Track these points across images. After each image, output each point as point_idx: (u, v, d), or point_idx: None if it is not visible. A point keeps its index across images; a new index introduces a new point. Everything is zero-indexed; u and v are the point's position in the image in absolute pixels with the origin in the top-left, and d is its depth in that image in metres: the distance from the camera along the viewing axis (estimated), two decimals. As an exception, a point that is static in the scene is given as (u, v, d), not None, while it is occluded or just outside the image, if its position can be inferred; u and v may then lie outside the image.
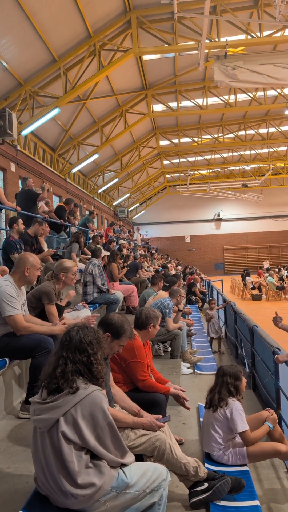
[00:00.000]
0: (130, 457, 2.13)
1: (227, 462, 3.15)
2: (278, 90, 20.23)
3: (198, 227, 38.69)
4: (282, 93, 20.50)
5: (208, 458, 3.24)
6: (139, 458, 2.63)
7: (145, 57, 16.48)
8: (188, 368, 6.27)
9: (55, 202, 15.93)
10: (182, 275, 17.67)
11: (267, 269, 23.42)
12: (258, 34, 13.51)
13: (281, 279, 22.46)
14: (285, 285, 21.08)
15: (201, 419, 3.63)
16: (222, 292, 15.76)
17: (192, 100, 20.14)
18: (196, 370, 6.29)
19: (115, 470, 2.05)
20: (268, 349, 4.31)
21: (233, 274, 31.92)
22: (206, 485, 2.71)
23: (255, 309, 16.36)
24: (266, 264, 24.18)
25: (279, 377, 4.08)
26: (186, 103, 20.85)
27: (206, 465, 3.07)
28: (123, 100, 19.36)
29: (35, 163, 15.80)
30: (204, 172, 32.70)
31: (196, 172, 32.11)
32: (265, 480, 3.19)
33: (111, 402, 2.81)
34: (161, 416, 2.91)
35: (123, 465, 2.09)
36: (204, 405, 3.41)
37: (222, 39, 13.18)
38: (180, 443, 3.49)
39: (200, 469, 2.72)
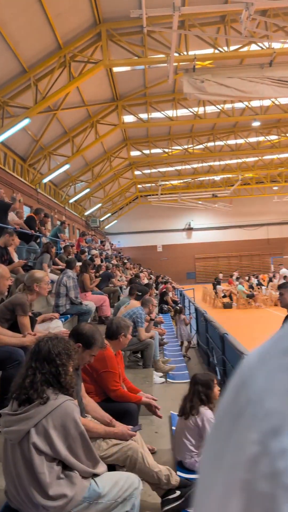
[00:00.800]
0: (102, 467, 2.14)
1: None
2: (246, 103, 20.74)
3: (170, 237, 38.97)
4: (250, 106, 21.02)
5: (180, 466, 3.26)
6: (111, 468, 2.63)
7: (116, 69, 16.63)
8: (161, 377, 6.28)
9: (26, 212, 15.75)
10: (154, 285, 17.73)
11: (237, 278, 23.76)
12: (226, 48, 13.88)
13: (251, 287, 22.84)
14: (255, 293, 21.45)
15: (174, 428, 3.65)
16: (194, 300, 15.88)
17: (162, 112, 20.40)
18: (168, 379, 6.31)
19: (87, 481, 2.05)
20: (238, 356, 4.39)
21: (205, 283, 32.20)
22: (178, 493, 2.73)
23: (226, 317, 16.53)
24: (235, 274, 24.60)
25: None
26: (156, 115, 21.07)
27: (179, 473, 3.09)
28: (94, 111, 19.44)
29: (5, 173, 15.62)
30: (175, 182, 33.02)
31: (167, 183, 32.38)
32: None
33: (83, 412, 2.80)
34: (132, 426, 2.93)
35: (95, 475, 2.09)
36: (176, 413, 3.44)
37: (191, 52, 13.45)
38: (153, 452, 3.50)
39: (172, 477, 2.74)
